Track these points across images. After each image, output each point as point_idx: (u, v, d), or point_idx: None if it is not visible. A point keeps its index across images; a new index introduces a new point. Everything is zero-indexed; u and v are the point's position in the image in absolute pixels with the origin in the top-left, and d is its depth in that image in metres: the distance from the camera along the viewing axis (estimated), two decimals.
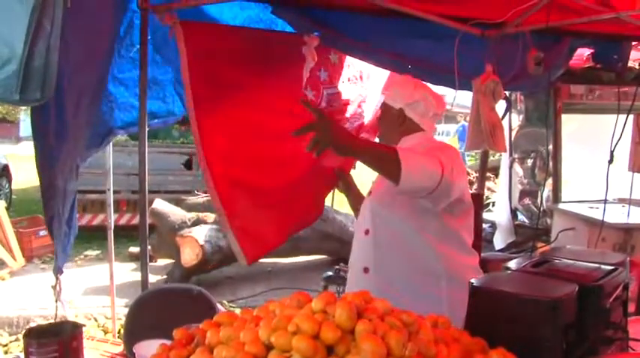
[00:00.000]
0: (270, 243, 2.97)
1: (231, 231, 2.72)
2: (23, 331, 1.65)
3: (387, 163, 1.80)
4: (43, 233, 7.65)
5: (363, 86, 3.38)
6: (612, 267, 1.66)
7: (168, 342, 1.38)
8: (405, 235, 2.16)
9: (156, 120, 3.48)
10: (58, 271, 2.78)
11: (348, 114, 3.28)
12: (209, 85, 2.68)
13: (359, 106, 3.35)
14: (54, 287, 2.83)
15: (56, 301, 2.89)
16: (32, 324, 4.72)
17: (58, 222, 2.57)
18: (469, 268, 2.18)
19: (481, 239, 2.96)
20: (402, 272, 2.17)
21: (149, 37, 2.86)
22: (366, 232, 2.26)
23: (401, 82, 2.47)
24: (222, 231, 6.41)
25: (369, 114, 3.40)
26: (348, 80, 3.30)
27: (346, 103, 3.27)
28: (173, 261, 6.54)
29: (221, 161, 2.69)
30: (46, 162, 2.31)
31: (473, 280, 1.54)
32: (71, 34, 2.12)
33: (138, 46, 2.90)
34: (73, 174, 2.68)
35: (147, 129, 2.96)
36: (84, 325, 4.82)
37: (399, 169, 1.76)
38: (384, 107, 2.39)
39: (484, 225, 6.63)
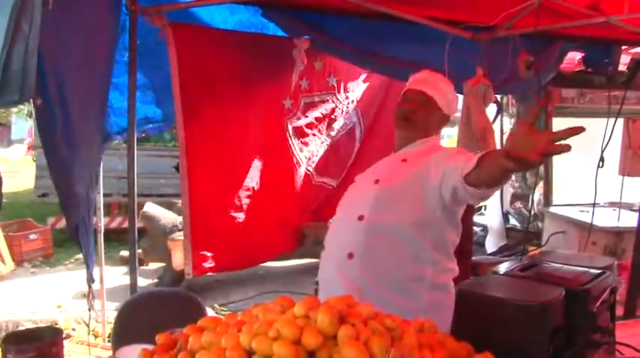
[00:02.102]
0: (225, 263, 2.96)
1: (189, 239, 2.76)
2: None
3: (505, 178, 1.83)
4: (33, 236, 7.61)
5: (338, 97, 3.36)
6: (600, 271, 1.65)
7: (152, 347, 1.37)
8: (402, 232, 2.11)
9: (150, 125, 3.45)
10: (90, 280, 2.75)
11: (322, 125, 3.27)
12: (198, 89, 2.68)
13: (333, 116, 3.33)
14: (87, 296, 2.80)
15: (89, 310, 2.87)
16: (21, 329, 4.68)
17: (85, 230, 2.54)
18: (450, 273, 2.19)
19: (472, 242, 2.96)
20: (389, 265, 2.12)
21: (142, 41, 2.85)
22: (361, 218, 2.15)
23: (452, 90, 2.39)
24: None
25: (338, 125, 3.38)
26: (327, 89, 3.29)
27: (322, 114, 3.27)
28: (164, 264, 6.51)
29: (202, 168, 2.70)
30: (60, 170, 2.27)
31: (460, 284, 1.54)
32: (70, 38, 2.11)
33: None
34: (93, 181, 2.67)
35: (142, 134, 2.95)
36: (72, 329, 4.74)
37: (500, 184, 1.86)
38: (432, 104, 2.28)
39: (476, 229, 6.63)
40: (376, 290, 2.06)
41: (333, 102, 3.33)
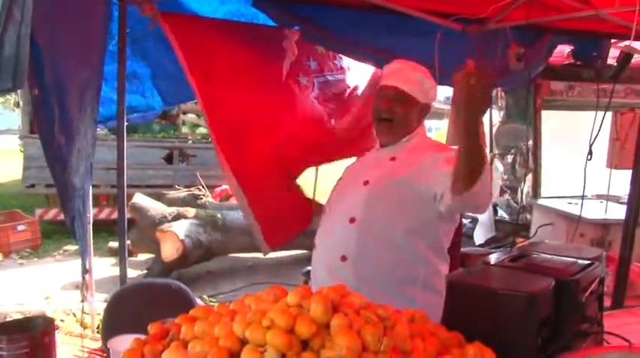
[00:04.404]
0: (293, 228, 2.89)
1: (253, 217, 2.63)
2: None
3: (481, 160, 1.82)
4: (20, 228, 7.57)
5: (349, 77, 3.36)
6: (588, 262, 1.67)
7: (143, 337, 1.37)
8: (395, 232, 2.09)
9: (135, 115, 3.45)
10: (84, 271, 2.75)
11: (337, 105, 3.26)
12: (204, 73, 2.64)
13: (349, 96, 3.33)
14: (80, 288, 2.80)
15: (82, 301, 2.86)
16: (9, 320, 4.65)
17: (81, 222, 2.54)
18: (442, 275, 2.12)
19: (461, 234, 2.96)
20: (382, 268, 2.10)
21: (128, 30, 2.83)
22: (352, 220, 2.12)
23: (429, 78, 2.30)
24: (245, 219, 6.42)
25: (356, 106, 3.37)
26: (338, 70, 3.29)
27: (340, 92, 3.26)
28: (153, 255, 6.50)
29: (234, 148, 2.62)
30: (57, 161, 2.26)
31: (450, 275, 1.55)
32: (65, 28, 2.10)
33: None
34: (88, 174, 2.65)
35: (126, 123, 2.94)
36: (61, 320, 4.73)
37: (480, 173, 1.81)
38: (408, 99, 2.22)
39: (464, 221, 6.67)
40: (369, 293, 2.03)
41: (345, 82, 3.33)
